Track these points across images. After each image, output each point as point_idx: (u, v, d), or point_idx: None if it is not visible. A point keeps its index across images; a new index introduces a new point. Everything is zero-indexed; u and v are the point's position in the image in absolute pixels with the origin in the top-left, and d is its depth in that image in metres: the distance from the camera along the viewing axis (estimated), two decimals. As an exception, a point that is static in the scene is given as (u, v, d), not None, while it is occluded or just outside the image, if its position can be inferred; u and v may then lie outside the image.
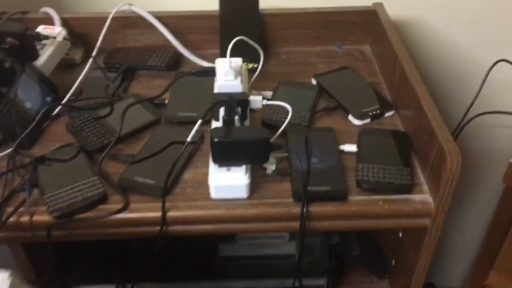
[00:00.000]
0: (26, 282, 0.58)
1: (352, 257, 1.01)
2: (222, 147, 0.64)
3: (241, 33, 0.95)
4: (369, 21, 0.97)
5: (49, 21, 0.93)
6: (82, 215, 0.66)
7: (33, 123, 0.76)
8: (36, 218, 0.66)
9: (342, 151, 0.75)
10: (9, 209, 0.66)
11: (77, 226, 0.66)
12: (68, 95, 0.84)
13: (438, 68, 1.11)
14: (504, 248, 1.19)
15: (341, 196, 0.67)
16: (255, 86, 0.87)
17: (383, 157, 0.72)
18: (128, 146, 0.77)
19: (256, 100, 0.73)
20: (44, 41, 0.86)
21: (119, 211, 0.66)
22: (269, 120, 0.80)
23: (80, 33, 0.96)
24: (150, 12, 0.94)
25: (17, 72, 0.78)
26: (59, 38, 0.88)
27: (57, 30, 0.89)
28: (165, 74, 0.93)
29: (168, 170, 0.68)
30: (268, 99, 0.74)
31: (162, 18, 0.95)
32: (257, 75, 0.86)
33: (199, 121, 0.67)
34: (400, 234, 0.81)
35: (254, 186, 0.69)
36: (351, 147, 0.75)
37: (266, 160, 0.67)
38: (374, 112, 0.81)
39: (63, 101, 0.83)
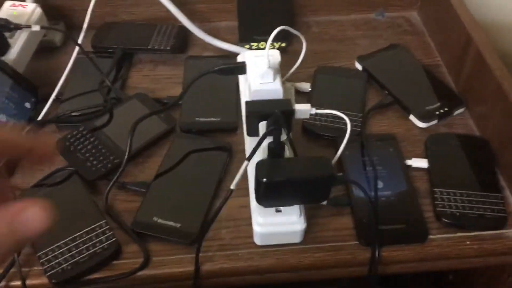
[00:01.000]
0: None
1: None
2: (271, 188, 0.48)
3: (263, 0, 0.77)
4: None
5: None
6: (91, 277, 0.51)
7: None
8: (30, 282, 0.51)
9: (409, 167, 0.60)
10: (-5, 274, 0.50)
11: (85, 292, 0.52)
12: (53, 96, 0.66)
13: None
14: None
15: (420, 237, 0.54)
16: (284, 73, 0.69)
17: (463, 178, 0.58)
18: (138, 168, 0.61)
19: (304, 110, 0.56)
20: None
21: (139, 269, 0.51)
22: (312, 126, 0.64)
23: (58, 6, 0.75)
24: (145, -23, 0.74)
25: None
26: (34, 21, 0.67)
27: (30, 8, 0.68)
28: (171, 58, 0.74)
29: (201, 210, 0.53)
30: (317, 108, 0.57)
31: (162, -17, 0.75)
32: (286, 56, 0.68)
33: (244, 164, 0.49)
34: (450, 277, 0.69)
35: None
36: (420, 162, 0.60)
37: (326, 198, 0.52)
38: (441, 111, 0.65)
39: (48, 105, 0.65)
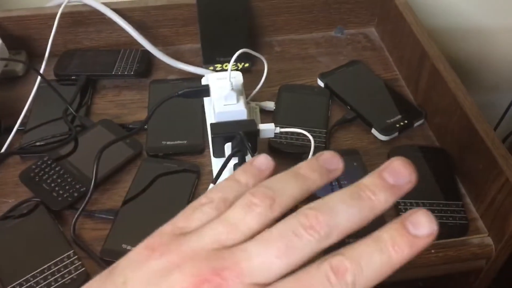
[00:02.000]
0: None
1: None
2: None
3: (225, 22, 0.78)
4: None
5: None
6: (61, 309, 0.50)
7: (-26, 178, 0.57)
8: (-2, 319, 0.50)
9: (373, 180, 0.61)
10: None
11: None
12: (16, 127, 0.65)
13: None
14: None
15: (386, 248, 0.55)
16: (249, 93, 0.70)
17: (425, 188, 0.60)
18: (105, 195, 0.60)
19: (268, 130, 0.57)
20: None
21: (109, 297, 0.51)
22: (277, 144, 0.65)
23: (18, 36, 0.75)
24: (106, 4, 0.74)
25: None
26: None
27: (-12, 39, 0.68)
28: (136, 82, 0.75)
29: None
30: (282, 127, 0.58)
31: (122, 11, 0.75)
32: (250, 75, 0.70)
33: (211, 186, 0.50)
34: (420, 284, 0.71)
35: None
36: (384, 175, 0.61)
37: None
38: (402, 123, 0.67)
39: (11, 136, 0.64)
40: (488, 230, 0.57)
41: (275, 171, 0.29)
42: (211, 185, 0.49)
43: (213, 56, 0.76)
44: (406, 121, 0.67)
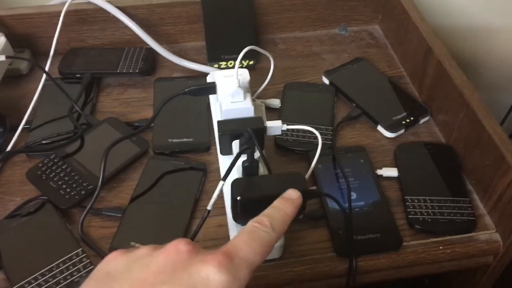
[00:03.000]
0: None
1: None
2: (247, 206, 0.49)
3: (230, 20, 0.78)
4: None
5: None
6: (70, 307, 0.50)
7: (-19, 177, 0.57)
8: (8, 318, 0.50)
9: (380, 177, 0.61)
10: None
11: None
12: (22, 125, 0.65)
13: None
14: None
15: (395, 245, 0.55)
16: (254, 90, 0.70)
17: (432, 184, 0.60)
18: (112, 192, 0.60)
19: (275, 127, 0.57)
20: (-23, 55, 0.65)
21: (118, 295, 0.51)
22: (284, 141, 0.65)
23: (23, 34, 0.75)
24: (111, 2, 0.74)
25: None
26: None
27: (-8, 37, 0.68)
28: (141, 80, 0.74)
29: (178, 231, 0.53)
30: (288, 123, 0.58)
31: (127, 9, 0.75)
32: (255, 73, 0.70)
33: (220, 184, 0.49)
34: (426, 281, 0.71)
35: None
36: (391, 172, 0.61)
37: (302, 213, 0.52)
38: (408, 120, 0.67)
39: (17, 134, 0.64)
40: (495, 226, 0.57)
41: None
42: (220, 183, 0.49)
43: (218, 54, 0.76)
44: (412, 118, 0.67)
